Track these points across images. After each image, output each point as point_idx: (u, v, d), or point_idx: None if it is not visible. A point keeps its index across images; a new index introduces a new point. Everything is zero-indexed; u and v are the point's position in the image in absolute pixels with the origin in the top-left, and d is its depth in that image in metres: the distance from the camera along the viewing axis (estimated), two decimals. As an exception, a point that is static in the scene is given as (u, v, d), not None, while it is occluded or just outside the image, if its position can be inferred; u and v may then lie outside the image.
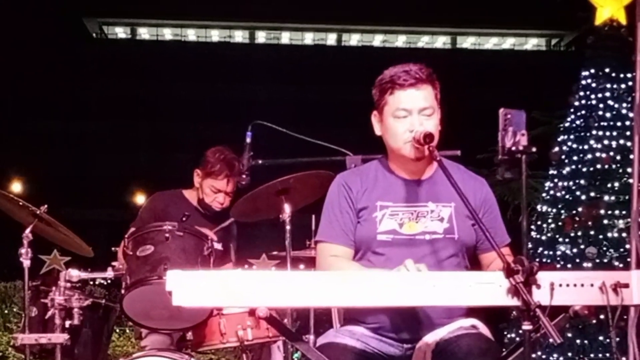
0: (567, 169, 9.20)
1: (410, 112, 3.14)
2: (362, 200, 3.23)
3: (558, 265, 8.65)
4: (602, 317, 7.23)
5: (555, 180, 9.33)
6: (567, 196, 9.13)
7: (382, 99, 3.21)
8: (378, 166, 3.33)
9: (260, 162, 4.41)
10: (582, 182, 9.02)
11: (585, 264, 8.51)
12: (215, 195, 4.92)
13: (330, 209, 3.27)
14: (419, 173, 3.25)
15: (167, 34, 47.98)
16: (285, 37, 47.97)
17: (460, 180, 3.02)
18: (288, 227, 4.19)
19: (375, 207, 3.20)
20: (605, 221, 8.76)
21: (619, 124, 9.04)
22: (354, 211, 3.23)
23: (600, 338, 8.17)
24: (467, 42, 48.74)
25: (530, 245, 8.98)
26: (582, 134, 9.22)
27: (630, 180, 5.35)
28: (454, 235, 3.17)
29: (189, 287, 2.51)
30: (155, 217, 4.66)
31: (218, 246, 4.32)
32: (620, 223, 8.67)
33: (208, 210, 4.97)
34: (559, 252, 8.89)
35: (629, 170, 8.02)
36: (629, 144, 8.49)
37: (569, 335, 8.20)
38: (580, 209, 8.90)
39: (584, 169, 9.05)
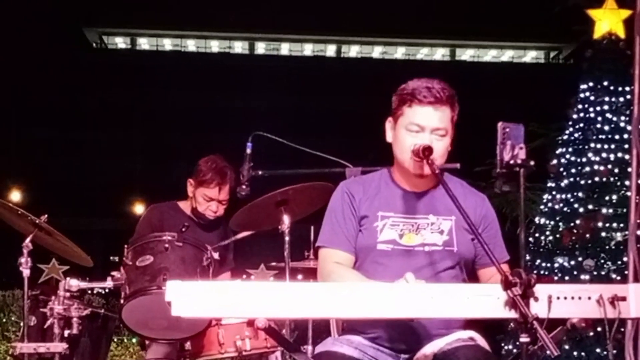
0: (565, 181, 9.20)
1: (422, 129, 3.15)
2: (364, 209, 3.25)
3: (556, 278, 8.65)
4: (599, 329, 7.24)
5: (553, 192, 9.32)
6: (565, 209, 9.12)
7: (399, 109, 3.22)
8: (382, 176, 3.36)
9: (260, 172, 4.43)
10: (580, 194, 9.02)
11: (582, 277, 8.51)
12: (208, 204, 4.94)
13: (333, 216, 3.29)
14: (421, 185, 3.27)
15: (167, 44, 48.01)
16: (285, 48, 48.01)
17: (462, 195, 3.04)
18: (287, 238, 4.21)
19: (376, 217, 3.22)
20: (603, 234, 8.74)
21: (617, 137, 9.04)
22: (357, 219, 3.25)
23: (597, 350, 8.15)
24: (466, 54, 48.80)
25: (528, 258, 9.02)
26: (580, 146, 9.22)
27: (628, 193, 5.37)
28: (453, 247, 3.19)
29: (188, 298, 2.52)
30: (152, 229, 4.66)
31: (215, 255, 4.34)
32: (618, 236, 8.67)
33: (202, 219, 4.98)
34: (556, 265, 8.87)
35: (627, 183, 8.03)
36: (627, 157, 8.49)
37: (566, 347, 8.18)
38: (578, 222, 8.89)
39: (582, 182, 9.05)
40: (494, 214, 3.36)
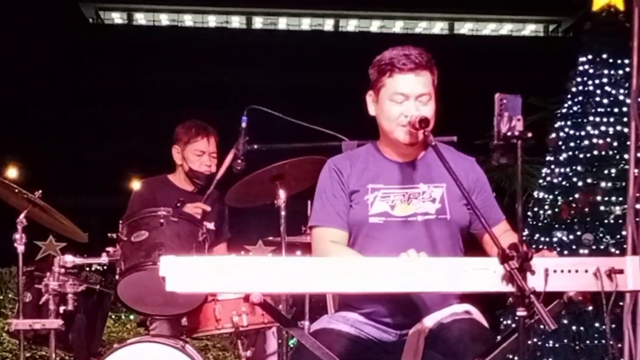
0: (564, 155, 9.18)
1: (407, 97, 3.13)
2: (353, 184, 3.23)
3: (554, 252, 8.64)
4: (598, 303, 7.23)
5: (552, 166, 9.30)
6: (563, 182, 9.11)
7: (379, 80, 3.19)
8: (369, 149, 3.34)
9: (255, 147, 4.39)
10: (578, 168, 9.00)
11: (581, 251, 8.51)
12: (201, 159, 4.92)
13: (323, 194, 3.26)
14: (410, 155, 3.25)
15: (164, 19, 47.83)
16: (282, 23, 47.85)
17: (452, 161, 3.00)
18: (283, 213, 4.18)
19: (366, 190, 3.20)
20: (602, 208, 8.74)
21: (616, 110, 9.01)
22: (347, 194, 3.23)
23: (596, 325, 8.16)
24: (465, 28, 48.65)
25: (526, 232, 9.01)
26: (579, 120, 9.19)
27: (627, 167, 5.35)
28: (447, 215, 3.17)
29: (182, 273, 2.50)
30: (144, 205, 4.62)
31: (210, 225, 4.31)
32: (617, 209, 8.66)
33: (198, 178, 4.93)
34: (555, 239, 8.87)
35: (626, 156, 7.99)
36: (625, 130, 8.46)
37: (565, 321, 8.19)
38: (576, 196, 8.88)
39: (581, 155, 9.03)
40: (485, 176, 3.35)
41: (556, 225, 8.96)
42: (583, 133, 9.07)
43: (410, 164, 3.24)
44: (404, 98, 3.13)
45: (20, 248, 4.33)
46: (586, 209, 8.76)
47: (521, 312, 2.44)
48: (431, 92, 3.17)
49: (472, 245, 3.30)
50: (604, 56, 9.19)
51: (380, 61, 3.20)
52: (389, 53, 3.19)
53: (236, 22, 47.88)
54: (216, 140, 4.96)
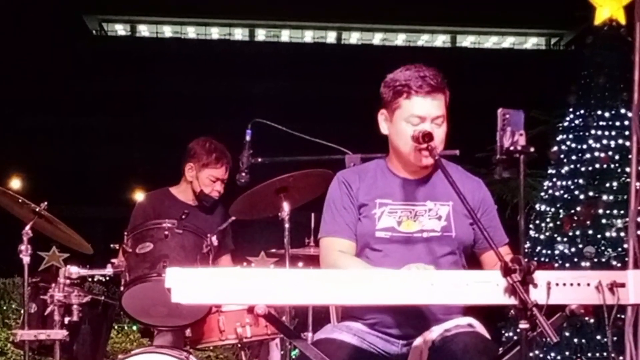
0: (566, 168, 9.21)
1: (423, 120, 3.17)
2: (362, 197, 3.27)
3: (556, 265, 8.66)
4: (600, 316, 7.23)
5: (554, 179, 9.33)
6: (565, 195, 9.13)
7: (395, 102, 3.21)
8: (377, 165, 3.38)
9: (259, 160, 4.43)
10: (580, 181, 9.02)
11: (583, 264, 8.52)
12: (214, 185, 4.99)
13: (333, 206, 3.31)
14: (418, 173, 3.28)
15: (167, 31, 47.87)
16: (285, 35, 47.89)
17: (459, 180, 3.04)
18: (287, 225, 4.20)
19: (374, 205, 3.24)
20: (604, 220, 8.76)
21: (617, 123, 9.05)
22: (355, 207, 3.27)
23: (598, 337, 8.17)
24: (467, 40, 48.66)
25: (528, 245, 9.02)
26: (581, 133, 9.22)
27: (629, 180, 5.37)
28: (452, 233, 3.20)
29: (188, 284, 2.52)
30: (146, 219, 4.61)
31: (214, 241, 4.34)
32: (619, 222, 8.68)
33: (206, 201, 5.01)
34: (557, 252, 8.89)
35: (628, 169, 8.03)
36: (627, 143, 8.49)
37: (567, 334, 8.20)
38: (578, 208, 8.90)
39: (583, 169, 9.06)
40: (491, 198, 3.38)
41: (558, 238, 8.97)
42: (585, 146, 9.10)
43: (418, 181, 3.28)
44: (420, 120, 3.16)
45: (26, 259, 4.34)
46: (588, 222, 8.78)
47: (523, 325, 2.46)
48: (444, 114, 3.21)
49: (475, 264, 3.32)
50: (606, 70, 9.23)
51: (395, 81, 3.21)
52: (403, 74, 3.20)
53: (239, 34, 47.93)
54: (230, 167, 4.98)
